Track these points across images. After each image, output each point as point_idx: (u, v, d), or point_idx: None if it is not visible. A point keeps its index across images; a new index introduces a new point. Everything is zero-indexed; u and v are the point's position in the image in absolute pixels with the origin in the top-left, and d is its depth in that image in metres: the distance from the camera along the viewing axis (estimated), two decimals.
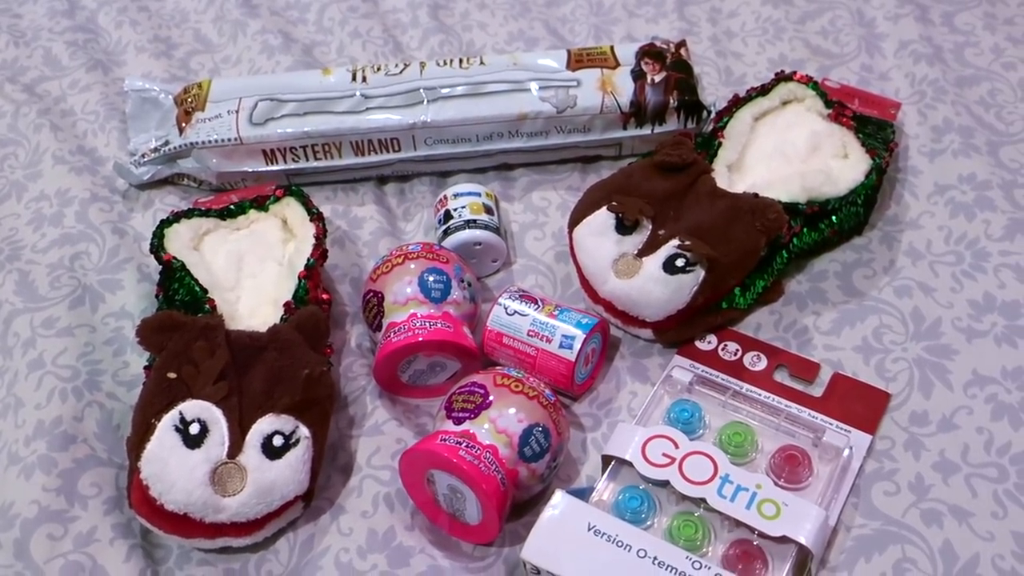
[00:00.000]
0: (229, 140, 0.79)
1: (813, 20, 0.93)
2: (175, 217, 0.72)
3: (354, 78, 0.82)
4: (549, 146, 0.81)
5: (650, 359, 0.70)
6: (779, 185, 0.71)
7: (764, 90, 0.77)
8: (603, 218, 0.70)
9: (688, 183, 0.71)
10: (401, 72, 0.82)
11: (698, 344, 0.69)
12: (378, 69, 0.83)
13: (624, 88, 0.80)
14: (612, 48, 0.83)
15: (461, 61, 0.83)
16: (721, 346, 0.69)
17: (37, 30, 0.98)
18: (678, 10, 0.95)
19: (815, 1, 0.94)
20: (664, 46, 0.83)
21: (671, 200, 0.70)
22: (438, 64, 0.83)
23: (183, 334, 0.62)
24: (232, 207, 0.74)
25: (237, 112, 0.81)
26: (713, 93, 0.87)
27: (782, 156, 0.74)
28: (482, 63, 0.83)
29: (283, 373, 0.61)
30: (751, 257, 0.68)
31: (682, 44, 0.84)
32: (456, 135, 0.80)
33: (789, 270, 0.73)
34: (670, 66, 0.81)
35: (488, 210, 0.76)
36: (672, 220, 0.69)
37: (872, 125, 0.76)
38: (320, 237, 0.71)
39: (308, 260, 0.69)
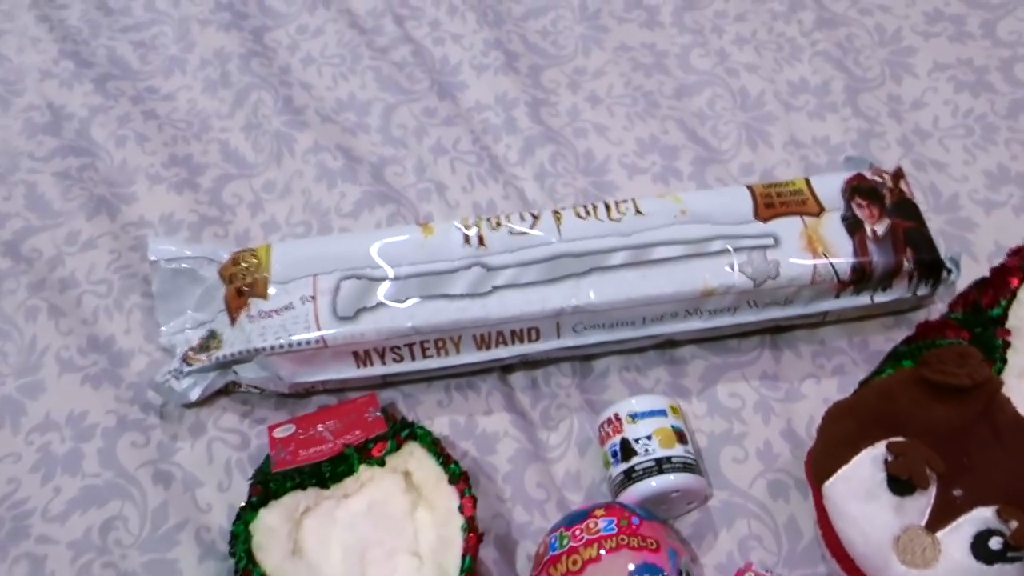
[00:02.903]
0: (308, 343, 0.58)
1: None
2: (258, 499, 0.50)
3: (467, 240, 0.61)
4: (735, 325, 0.61)
5: None
6: None
7: None
8: (868, 471, 0.50)
9: (978, 410, 0.51)
10: (532, 227, 0.61)
11: None
12: (498, 225, 0.62)
13: (839, 245, 0.60)
14: (808, 183, 0.63)
15: (608, 208, 0.62)
16: None
17: (13, 157, 0.74)
18: (850, 101, 0.74)
19: (1019, 84, 0.74)
20: (877, 178, 0.63)
21: (958, 439, 0.51)
22: (578, 214, 0.62)
23: None
24: (336, 465, 0.52)
25: (314, 299, 0.59)
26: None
27: None
28: (638, 211, 0.61)
29: None
30: None
31: (900, 174, 0.63)
32: (616, 319, 0.59)
33: None
34: (891, 209, 0.61)
35: (680, 436, 0.56)
36: (967, 471, 0.50)
37: None
38: (472, 517, 0.50)
39: (464, 560, 0.48)
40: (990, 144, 0.71)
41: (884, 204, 0.61)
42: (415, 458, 0.53)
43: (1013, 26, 0.77)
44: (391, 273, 0.60)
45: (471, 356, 0.60)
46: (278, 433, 0.56)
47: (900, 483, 0.49)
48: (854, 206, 0.61)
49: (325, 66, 0.79)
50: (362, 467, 0.52)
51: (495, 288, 0.59)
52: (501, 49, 0.79)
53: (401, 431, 0.54)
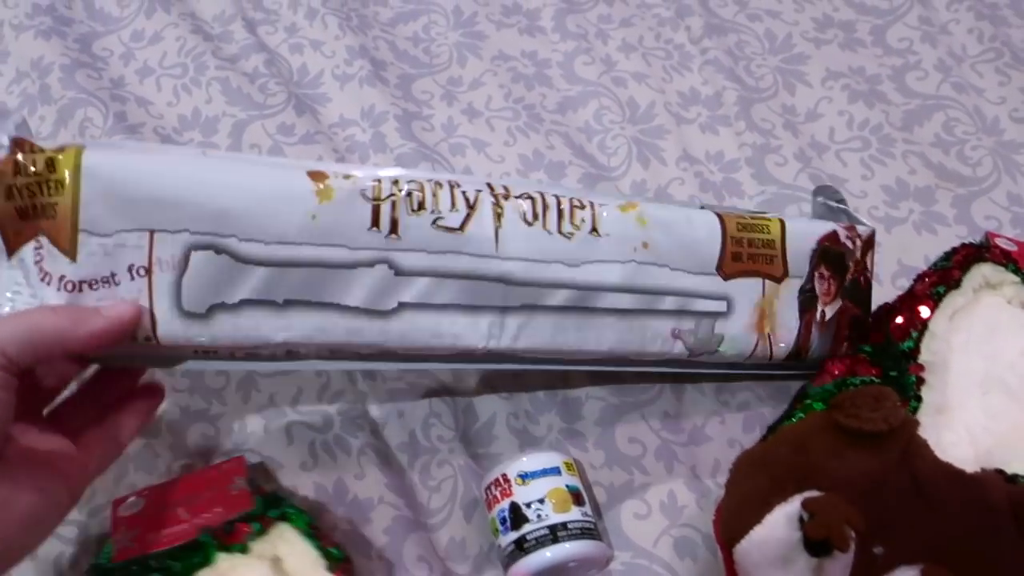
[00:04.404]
0: (135, 342, 0.42)
1: (921, 125, 0.70)
2: None
3: (375, 220, 0.44)
4: (638, 373, 0.55)
5: None
6: (1020, 444, 0.48)
7: (952, 280, 0.53)
8: (783, 532, 0.44)
9: (896, 458, 0.47)
10: (465, 222, 0.46)
11: None
12: (420, 207, 0.45)
13: (786, 328, 0.53)
14: (782, 225, 0.53)
15: (561, 216, 0.48)
16: None
17: None
18: (744, 113, 0.70)
19: (911, 94, 0.71)
20: (849, 242, 0.55)
21: (876, 490, 0.46)
22: (525, 220, 0.47)
23: None
24: (189, 555, 0.44)
25: (149, 273, 0.41)
26: None
27: (1001, 386, 0.51)
28: (594, 230, 0.49)
29: None
30: None
31: (871, 243, 0.56)
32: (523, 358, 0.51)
33: None
34: (848, 288, 0.55)
35: (577, 497, 0.49)
36: (887, 526, 0.45)
37: None
38: None
39: None
40: (887, 157, 0.68)
41: (844, 281, 0.55)
42: (286, 541, 0.45)
43: (902, 33, 0.75)
44: (265, 252, 0.42)
45: (330, 364, 0.47)
46: (124, 510, 0.47)
47: (817, 544, 0.44)
48: (816, 276, 0.54)
49: (165, 77, 0.69)
50: (220, 554, 0.44)
51: (402, 305, 0.45)
52: (367, 57, 0.71)
53: (268, 511, 0.46)
